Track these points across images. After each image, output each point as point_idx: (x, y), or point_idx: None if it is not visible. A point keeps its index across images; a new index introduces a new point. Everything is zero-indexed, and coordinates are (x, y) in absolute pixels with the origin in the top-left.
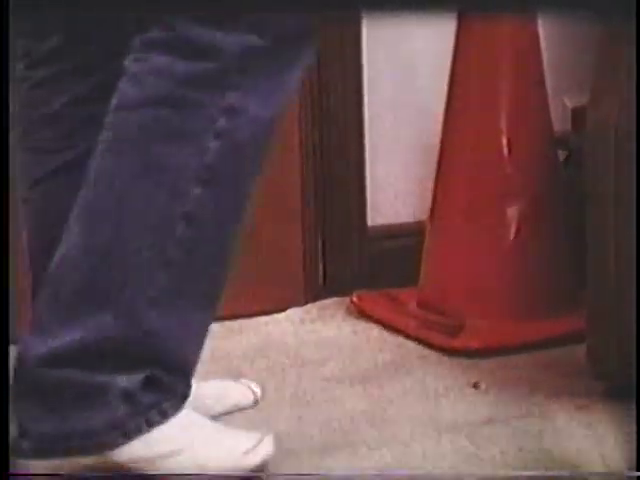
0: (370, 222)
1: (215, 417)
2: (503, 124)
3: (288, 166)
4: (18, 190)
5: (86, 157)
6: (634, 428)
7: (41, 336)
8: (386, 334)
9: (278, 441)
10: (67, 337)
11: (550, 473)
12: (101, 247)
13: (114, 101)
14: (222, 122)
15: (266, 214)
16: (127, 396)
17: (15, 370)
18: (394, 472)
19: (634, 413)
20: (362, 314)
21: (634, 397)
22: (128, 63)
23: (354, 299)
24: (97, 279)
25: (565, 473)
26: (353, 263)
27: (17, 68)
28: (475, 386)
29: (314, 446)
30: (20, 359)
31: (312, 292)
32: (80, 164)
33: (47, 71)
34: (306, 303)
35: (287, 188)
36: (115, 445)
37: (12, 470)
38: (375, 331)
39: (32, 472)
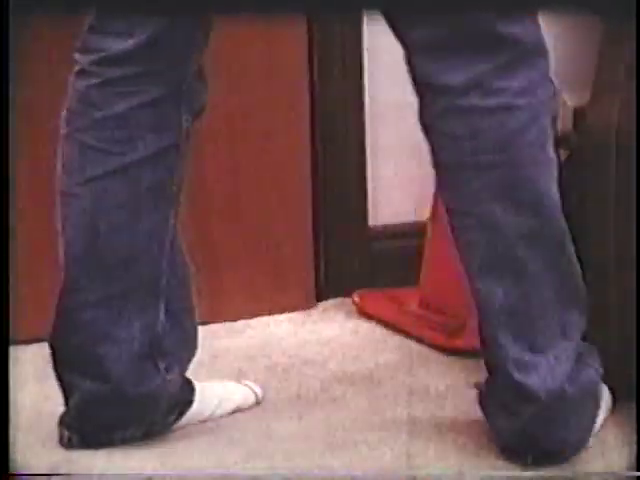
0: (370, 222)
1: (217, 419)
2: None
3: (292, 168)
4: (62, 183)
5: (147, 162)
6: (634, 428)
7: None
8: (387, 334)
9: (279, 441)
10: None
11: (550, 473)
12: None
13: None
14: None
15: (269, 215)
16: None
17: None
18: (394, 472)
19: (634, 413)
20: (363, 314)
21: (634, 397)
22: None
23: (355, 299)
24: None
25: (565, 473)
26: (354, 263)
27: (83, 60)
28: (476, 386)
29: (314, 446)
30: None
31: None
32: (140, 168)
33: (119, 72)
34: (308, 306)
35: (294, 190)
36: None
37: (12, 470)
38: (376, 331)
39: (32, 472)
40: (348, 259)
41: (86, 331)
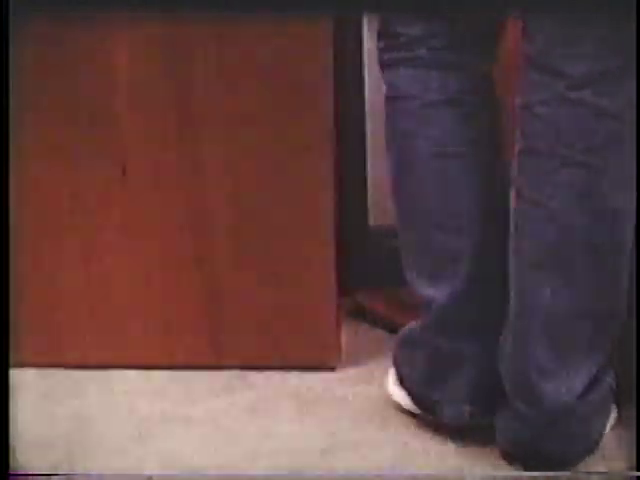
0: (371, 222)
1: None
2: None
3: (313, 188)
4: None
5: None
6: (634, 428)
7: None
8: (387, 334)
9: (279, 441)
10: None
11: (550, 473)
12: None
13: None
14: None
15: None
16: None
17: None
18: (394, 472)
19: (634, 413)
20: (363, 313)
21: (634, 397)
22: None
23: (355, 299)
24: None
25: (565, 473)
26: (353, 263)
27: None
28: None
29: (314, 446)
30: None
31: None
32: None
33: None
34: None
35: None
36: None
37: (12, 470)
38: (376, 331)
39: (32, 472)
40: (348, 259)
41: None
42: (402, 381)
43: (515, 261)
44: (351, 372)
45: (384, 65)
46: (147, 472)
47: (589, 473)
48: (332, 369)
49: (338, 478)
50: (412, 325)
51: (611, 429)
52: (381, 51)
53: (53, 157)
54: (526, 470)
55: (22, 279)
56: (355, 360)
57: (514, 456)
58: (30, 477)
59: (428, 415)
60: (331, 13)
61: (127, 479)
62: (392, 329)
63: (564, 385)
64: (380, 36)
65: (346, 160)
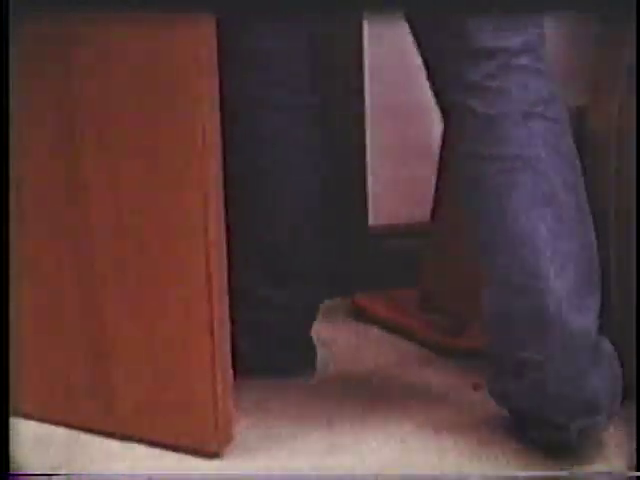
0: (370, 222)
1: None
2: None
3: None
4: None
5: None
6: (634, 428)
7: None
8: (386, 334)
9: (279, 441)
10: None
11: (550, 473)
12: None
13: None
14: None
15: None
16: None
17: None
18: (395, 472)
19: (634, 413)
20: (362, 314)
21: (634, 397)
22: None
23: (355, 299)
24: None
25: (565, 473)
26: (353, 263)
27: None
28: (475, 386)
29: (314, 446)
30: None
31: None
32: None
33: None
34: None
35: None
36: None
37: (12, 470)
38: (375, 331)
39: (32, 472)
40: (348, 259)
41: None
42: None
43: (506, 212)
44: (350, 372)
45: None
46: (147, 472)
47: (589, 473)
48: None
49: (338, 478)
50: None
51: (611, 429)
52: None
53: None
54: (529, 431)
55: None
56: (355, 360)
57: (553, 405)
58: (30, 477)
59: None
60: (333, 13)
61: (127, 479)
62: (392, 329)
63: (590, 315)
64: None
65: (346, 160)
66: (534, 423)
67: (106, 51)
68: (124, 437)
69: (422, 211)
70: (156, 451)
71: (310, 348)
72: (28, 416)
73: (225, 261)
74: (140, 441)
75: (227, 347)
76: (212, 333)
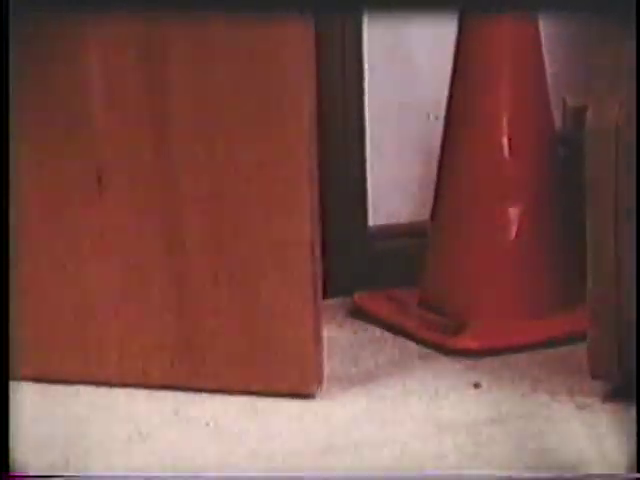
0: (370, 222)
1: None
2: (504, 124)
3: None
4: None
5: None
6: (634, 428)
7: None
8: (386, 334)
9: (279, 441)
10: None
11: (550, 473)
12: None
13: None
14: None
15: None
16: None
17: None
18: (394, 472)
19: (634, 413)
20: (362, 314)
21: (634, 397)
22: None
23: (354, 299)
24: None
25: (565, 473)
26: (353, 263)
27: None
28: (475, 386)
29: (314, 446)
30: None
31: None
32: None
33: None
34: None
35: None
36: None
37: (12, 470)
38: (375, 331)
39: (32, 472)
40: (348, 259)
41: None
42: None
43: None
44: (350, 372)
45: None
46: (147, 472)
47: (589, 474)
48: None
49: (338, 478)
50: None
51: (609, 419)
52: None
53: (31, 166)
54: None
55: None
56: (355, 360)
57: None
58: (30, 477)
59: None
60: (331, 13)
61: (127, 479)
62: (392, 329)
63: None
64: None
65: (346, 160)
66: None
67: (203, 47)
68: (218, 390)
69: (422, 211)
70: (251, 398)
71: None
72: (137, 385)
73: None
74: (233, 391)
75: (319, 288)
76: (306, 278)
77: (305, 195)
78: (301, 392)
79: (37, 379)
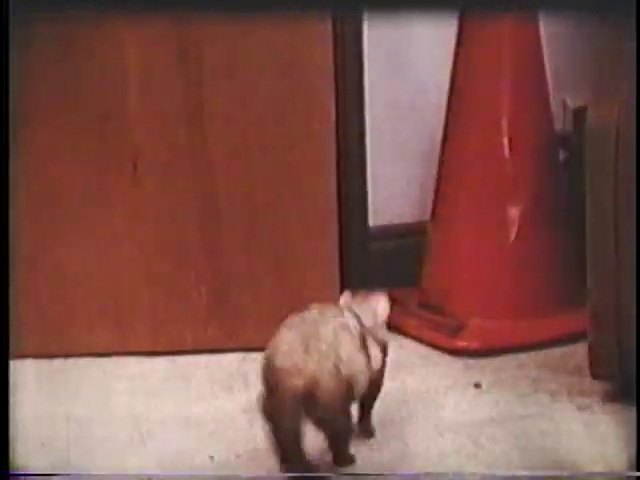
0: (370, 222)
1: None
2: (504, 124)
3: (316, 181)
4: None
5: None
6: (634, 428)
7: None
8: (387, 334)
9: None
10: None
11: (550, 473)
12: None
13: None
14: None
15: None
16: None
17: None
18: (394, 472)
19: (634, 413)
20: None
21: (634, 397)
22: None
23: None
24: None
25: (565, 473)
26: (354, 263)
27: None
28: (476, 386)
29: (314, 446)
30: None
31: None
32: None
33: None
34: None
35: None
36: None
37: (12, 470)
38: None
39: (32, 472)
40: (348, 259)
41: None
42: None
43: None
44: None
45: None
46: (147, 472)
47: (589, 473)
48: None
49: (339, 478)
50: None
51: (608, 419)
52: None
53: (69, 155)
54: None
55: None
56: None
57: None
58: (30, 477)
59: None
60: (331, 12)
61: (127, 479)
62: (392, 329)
63: None
64: None
65: (346, 161)
66: None
67: (235, 44)
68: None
69: (422, 211)
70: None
71: None
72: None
73: None
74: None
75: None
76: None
77: (329, 174)
78: None
79: (69, 354)
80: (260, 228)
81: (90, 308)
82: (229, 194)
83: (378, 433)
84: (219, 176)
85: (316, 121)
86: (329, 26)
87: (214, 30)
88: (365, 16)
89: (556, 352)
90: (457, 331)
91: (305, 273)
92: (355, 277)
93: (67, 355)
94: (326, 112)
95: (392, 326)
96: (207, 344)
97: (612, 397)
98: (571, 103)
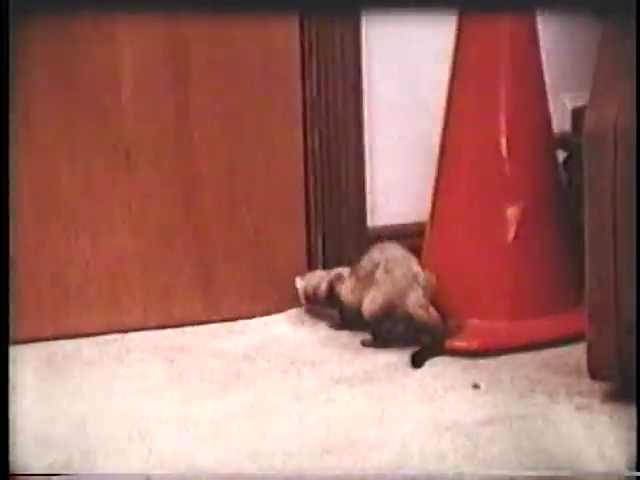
0: (370, 222)
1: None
2: (503, 124)
3: (290, 167)
4: None
5: None
6: (634, 428)
7: None
8: None
9: (279, 441)
10: None
11: (550, 473)
12: None
13: None
14: None
15: (267, 215)
16: None
17: None
18: (394, 472)
19: (634, 413)
20: None
21: (634, 397)
22: None
23: None
24: None
25: (565, 473)
26: (353, 263)
27: None
28: (474, 387)
29: (314, 446)
30: None
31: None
32: None
33: None
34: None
35: (288, 189)
36: None
37: (12, 470)
38: None
39: (32, 472)
40: (348, 260)
41: None
42: None
43: None
44: (350, 372)
45: None
46: (147, 472)
47: (589, 473)
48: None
49: (338, 478)
50: None
51: (608, 419)
52: None
53: (68, 147)
54: None
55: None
56: (355, 360)
57: None
58: (30, 477)
59: None
60: (331, 13)
61: (127, 479)
62: None
63: None
64: None
65: (346, 161)
66: None
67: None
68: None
69: (421, 212)
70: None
71: None
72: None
73: None
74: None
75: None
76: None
77: (299, 163)
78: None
79: (65, 335)
80: (239, 211)
81: (86, 289)
82: (212, 179)
83: (376, 433)
84: (203, 163)
85: (289, 110)
86: (296, 25)
87: (200, 30)
88: (365, 16)
89: (555, 352)
90: (456, 331)
91: (278, 251)
92: None
93: (64, 337)
94: (297, 106)
95: None
96: (194, 317)
97: (611, 397)
98: (570, 103)
